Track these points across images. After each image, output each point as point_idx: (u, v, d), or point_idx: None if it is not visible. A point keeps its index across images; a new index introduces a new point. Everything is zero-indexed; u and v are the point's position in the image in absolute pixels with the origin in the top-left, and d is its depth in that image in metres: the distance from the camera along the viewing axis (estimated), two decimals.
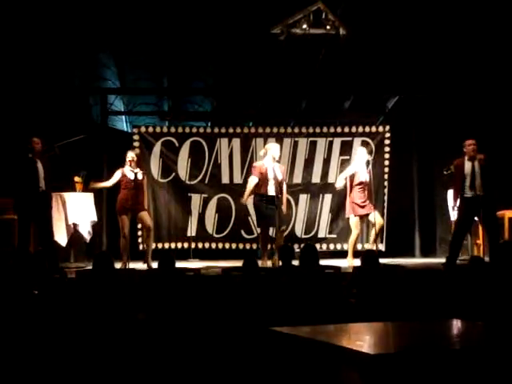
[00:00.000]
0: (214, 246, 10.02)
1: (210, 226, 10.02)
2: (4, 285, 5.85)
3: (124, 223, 8.35)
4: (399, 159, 10.35)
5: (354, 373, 3.15)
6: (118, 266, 7.80)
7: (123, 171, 8.42)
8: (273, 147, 8.82)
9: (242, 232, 10.06)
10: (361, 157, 8.96)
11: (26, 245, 7.92)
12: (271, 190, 8.50)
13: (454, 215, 9.20)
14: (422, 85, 10.29)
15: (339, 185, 8.97)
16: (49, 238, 7.99)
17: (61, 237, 8.60)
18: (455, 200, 8.23)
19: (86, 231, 8.89)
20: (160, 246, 9.74)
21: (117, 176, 8.44)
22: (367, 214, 8.83)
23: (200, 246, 9.98)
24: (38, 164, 7.88)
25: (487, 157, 8.03)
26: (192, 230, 9.92)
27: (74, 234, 8.77)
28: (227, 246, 10.05)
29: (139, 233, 9.31)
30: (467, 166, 8.01)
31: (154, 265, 8.40)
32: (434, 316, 5.92)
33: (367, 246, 9.37)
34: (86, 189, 9.00)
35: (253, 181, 8.62)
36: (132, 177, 8.36)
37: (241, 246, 10.08)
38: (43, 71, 9.48)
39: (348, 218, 9.06)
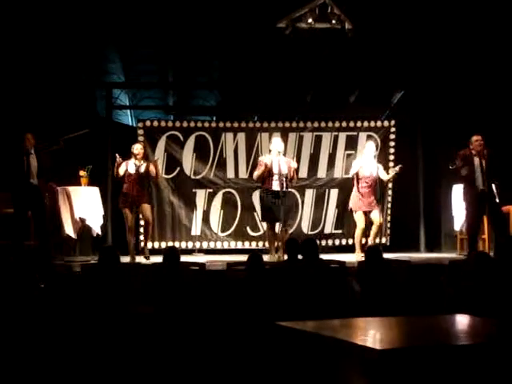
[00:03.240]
0: (219, 245, 9.98)
1: (215, 223, 9.98)
2: (8, 278, 5.87)
3: (127, 217, 8.38)
4: (404, 154, 10.32)
5: (359, 368, 3.14)
6: (125, 259, 7.83)
7: (127, 164, 8.44)
8: (272, 141, 8.84)
9: (248, 229, 10.02)
10: (369, 151, 8.93)
11: (21, 238, 7.97)
12: (275, 185, 8.49)
13: (455, 210, 9.22)
14: (428, 79, 10.26)
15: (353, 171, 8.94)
16: (43, 233, 8.04)
17: (69, 230, 8.63)
18: (465, 194, 8.23)
19: (96, 225, 8.90)
20: (164, 245, 9.67)
21: (122, 168, 8.44)
22: (370, 211, 8.81)
23: (205, 245, 9.95)
24: (31, 159, 7.94)
25: (493, 152, 8.02)
26: (197, 229, 9.89)
27: (81, 228, 8.77)
28: (232, 244, 9.99)
29: (141, 229, 9.29)
30: (476, 160, 8.01)
31: (153, 258, 8.43)
32: (439, 311, 5.91)
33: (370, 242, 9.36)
34: (91, 183, 9.02)
35: (255, 173, 8.66)
36: (133, 170, 8.36)
37: (246, 244, 10.02)
38: (49, 65, 9.48)
39: (353, 212, 9.06)
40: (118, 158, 8.40)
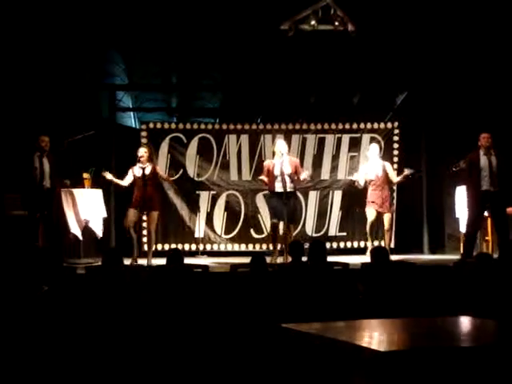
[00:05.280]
0: (222, 247, 9.98)
1: (219, 226, 9.98)
2: (13, 280, 5.88)
3: (129, 215, 8.37)
4: (408, 155, 10.32)
5: (362, 370, 3.14)
6: (129, 262, 7.83)
7: (133, 170, 8.47)
8: (276, 143, 8.83)
9: (252, 231, 10.02)
10: (373, 153, 8.93)
11: (33, 240, 7.97)
12: (278, 187, 8.46)
13: (459, 212, 9.19)
14: (431, 81, 10.26)
15: (361, 182, 8.88)
16: (54, 235, 8.05)
17: (75, 230, 8.62)
18: (469, 195, 8.18)
19: (97, 227, 8.90)
20: (167, 247, 9.67)
21: (129, 176, 8.47)
22: (382, 213, 8.79)
23: (208, 247, 9.95)
24: (44, 162, 7.94)
25: (500, 153, 7.99)
26: (200, 231, 9.89)
27: (84, 229, 8.77)
28: (236, 247, 9.99)
29: (144, 232, 9.29)
30: (483, 160, 7.95)
31: (156, 260, 8.42)
32: (443, 313, 5.90)
33: (376, 244, 9.34)
34: (94, 185, 9.02)
35: (263, 179, 8.65)
36: (139, 174, 8.37)
37: (250, 246, 10.02)
38: (52, 68, 9.50)
39: (360, 214, 9.08)
40: (107, 174, 8.45)
